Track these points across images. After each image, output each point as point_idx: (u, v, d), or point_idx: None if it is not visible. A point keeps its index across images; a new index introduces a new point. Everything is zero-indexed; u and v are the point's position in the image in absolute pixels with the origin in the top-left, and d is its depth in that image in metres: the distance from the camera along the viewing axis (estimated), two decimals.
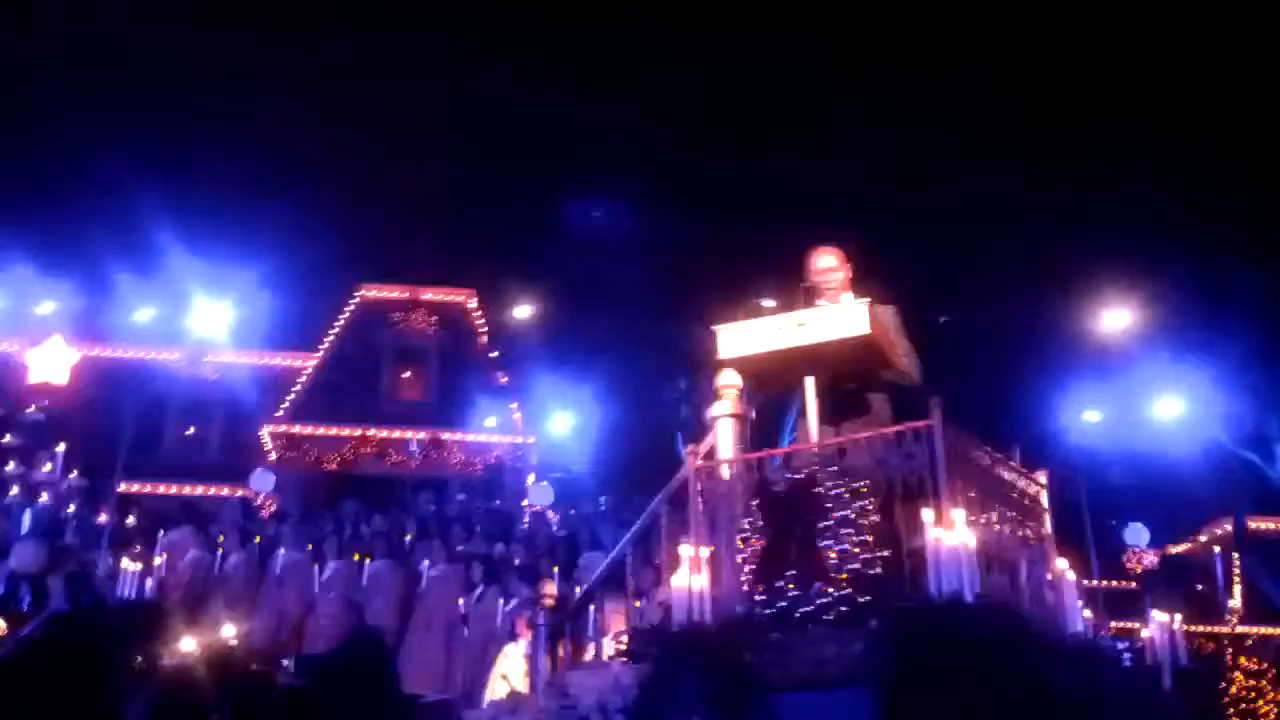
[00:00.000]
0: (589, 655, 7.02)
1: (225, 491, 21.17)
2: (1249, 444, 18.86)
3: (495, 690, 9.01)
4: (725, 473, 6.40)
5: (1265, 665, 19.00)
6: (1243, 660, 18.59)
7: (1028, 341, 21.44)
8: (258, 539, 13.43)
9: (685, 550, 6.07)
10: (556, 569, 11.98)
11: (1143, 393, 19.22)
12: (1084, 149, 23.87)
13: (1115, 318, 19.60)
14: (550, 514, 17.34)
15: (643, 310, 23.86)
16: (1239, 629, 21.45)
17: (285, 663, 9.64)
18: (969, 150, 24.86)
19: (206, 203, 25.22)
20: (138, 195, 22.86)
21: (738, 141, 27.86)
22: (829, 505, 5.77)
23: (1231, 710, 16.65)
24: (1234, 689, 17.44)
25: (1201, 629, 19.69)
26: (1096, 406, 18.85)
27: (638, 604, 7.21)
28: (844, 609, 5.55)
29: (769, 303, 7.12)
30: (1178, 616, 7.27)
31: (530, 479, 21.83)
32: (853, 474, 5.83)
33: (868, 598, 5.52)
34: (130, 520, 14.99)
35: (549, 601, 7.55)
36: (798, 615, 5.64)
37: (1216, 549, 23.33)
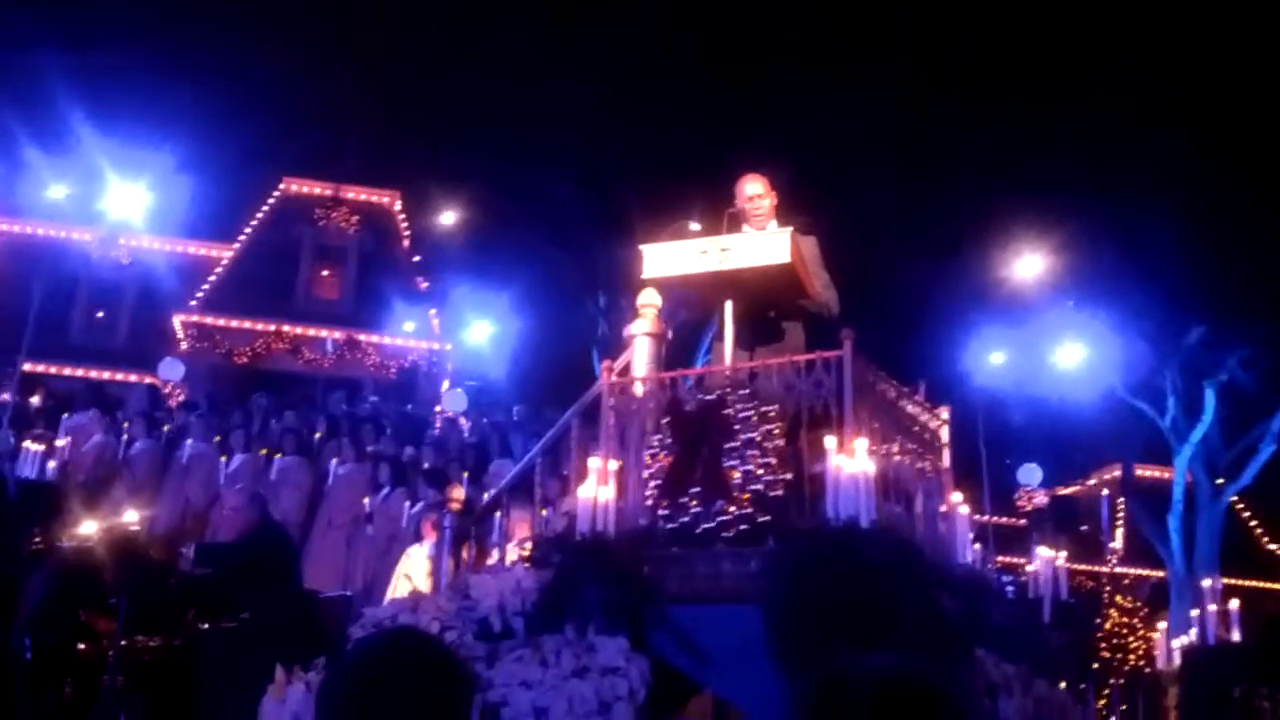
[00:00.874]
0: (492, 560, 7.13)
1: (133, 378, 20.86)
2: (1142, 393, 19.50)
3: (397, 589, 9.11)
4: (639, 390, 6.49)
5: (1139, 604, 19.91)
6: (1119, 598, 19.46)
7: (943, 283, 21.84)
8: (165, 427, 13.30)
9: (594, 463, 6.17)
10: (466, 474, 12.06)
11: (1047, 338, 19.72)
12: (1007, 102, 24.20)
13: (1028, 264, 20.03)
14: (462, 420, 17.37)
15: (568, 224, 23.75)
16: (1118, 569, 22.43)
17: (184, 550, 9.62)
18: (899, 97, 25.07)
19: (127, 81, 24.45)
20: (56, 70, 22.04)
21: (683, 62, 27.69)
22: (737, 427, 5.90)
23: (1104, 644, 17.44)
24: (1109, 625, 18.28)
25: (1083, 567, 20.53)
26: (1002, 349, 19.31)
27: (544, 512, 7.31)
28: (744, 528, 5.70)
29: (695, 225, 7.16)
30: (1061, 554, 7.58)
31: (445, 385, 21.80)
32: (762, 398, 5.96)
33: (767, 518, 5.68)
34: (34, 400, 14.71)
35: (456, 505, 7.62)
36: (698, 531, 5.79)
37: (1104, 493, 24.26)
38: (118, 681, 7.29)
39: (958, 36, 25.79)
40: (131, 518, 9.35)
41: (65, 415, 12.93)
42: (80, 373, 21.45)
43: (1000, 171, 22.25)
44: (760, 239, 6.26)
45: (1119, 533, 23.88)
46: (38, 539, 8.42)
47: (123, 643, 7.35)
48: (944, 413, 6.93)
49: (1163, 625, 11.63)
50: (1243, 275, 18.38)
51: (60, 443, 11.25)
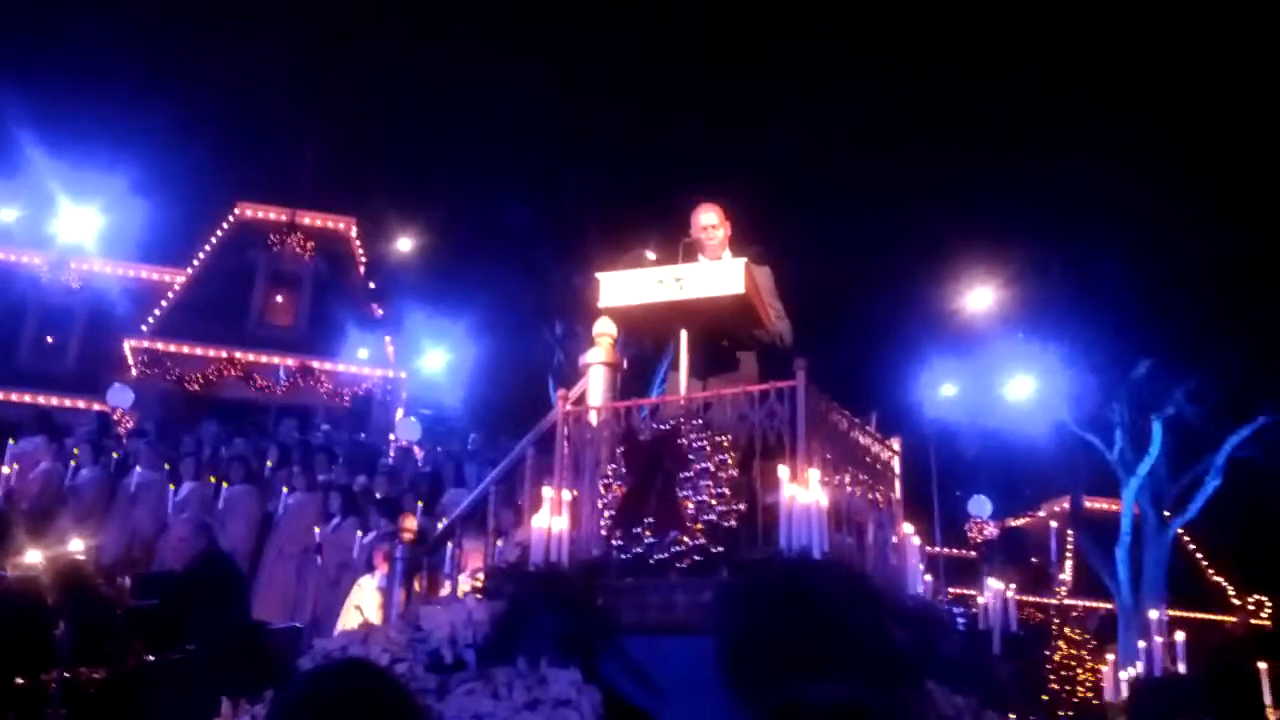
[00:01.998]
0: (445, 591, 7.08)
1: (81, 404, 20.57)
2: (1090, 426, 19.75)
3: (348, 621, 9.01)
4: (594, 419, 6.49)
5: (1087, 636, 20.07)
6: (1068, 630, 19.60)
7: (895, 315, 22.06)
8: (114, 455, 13.11)
9: (547, 492, 6.16)
10: (420, 504, 11.97)
11: (997, 371, 19.96)
12: (960, 134, 24.57)
13: (979, 297, 20.29)
14: (416, 450, 17.26)
15: (525, 252, 23.76)
16: (1066, 601, 22.62)
17: (121, 580, 9.44)
18: (853, 128, 25.35)
19: (79, 103, 24.25)
20: (5, 91, 21.79)
21: (638, 92, 27.85)
22: (691, 457, 5.91)
23: (1053, 676, 17.55)
24: (1058, 656, 18.40)
25: (1032, 599, 20.70)
26: (953, 381, 19.50)
27: (497, 543, 7.27)
28: (697, 558, 5.71)
29: (651, 254, 7.20)
30: (1011, 586, 7.64)
31: (399, 413, 21.67)
32: (716, 428, 5.99)
33: (720, 549, 5.69)
34: None
35: (408, 536, 7.56)
36: (652, 562, 5.79)
37: (1053, 525, 24.49)
38: (60, 714, 7.15)
39: (911, 68, 26.16)
40: (77, 546, 9.19)
41: (11, 441, 12.71)
42: (28, 398, 21.13)
43: (952, 204, 22.54)
44: (715, 269, 6.30)
45: (1068, 564, 24.10)
46: None
47: (66, 674, 7.21)
48: (896, 444, 6.99)
49: (1111, 657, 11.73)
50: (1190, 310, 18.68)
51: (5, 469, 11.07)
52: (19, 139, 21.70)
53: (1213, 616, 22.90)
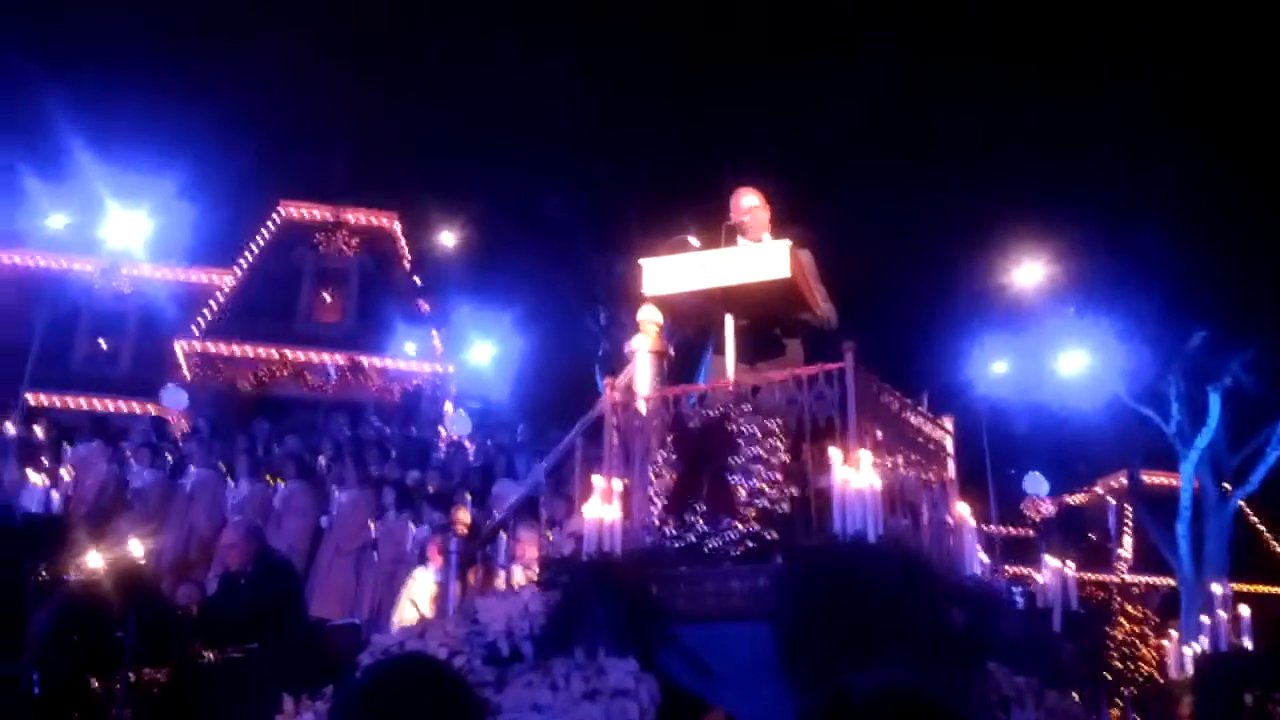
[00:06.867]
0: (500, 583, 7.09)
1: (136, 407, 20.85)
2: (1146, 399, 19.48)
3: (404, 615, 9.06)
4: (642, 407, 6.47)
5: (1149, 613, 19.80)
6: (1129, 607, 19.35)
7: (942, 292, 21.85)
8: (169, 456, 13.26)
9: (598, 482, 6.14)
10: (470, 497, 12.01)
11: (1049, 346, 19.71)
12: (1006, 106, 24.22)
13: (1028, 272, 20.04)
14: (467, 443, 17.34)
15: (567, 241, 23.77)
16: (1127, 577, 22.34)
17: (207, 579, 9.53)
18: (897, 103, 25.11)
19: (125, 108, 24.52)
20: (53, 98, 22.11)
21: (673, 76, 27.75)
22: (741, 442, 5.87)
23: (1115, 654, 17.33)
24: (1120, 634, 18.17)
25: (1092, 576, 20.45)
26: (1004, 358, 19.29)
27: (550, 534, 7.27)
28: (751, 544, 5.67)
29: (694, 240, 7.16)
30: (1070, 563, 7.52)
31: (448, 407, 21.77)
32: (765, 413, 5.94)
33: (774, 534, 5.65)
34: (38, 432, 14.69)
35: (461, 528, 7.60)
36: (706, 549, 5.76)
37: (1111, 501, 24.18)
38: (125, 714, 7.25)
39: (954, 42, 25.86)
40: (137, 549, 9.32)
41: (68, 446, 12.89)
42: (83, 402, 21.45)
43: (999, 178, 22.26)
44: (760, 253, 6.25)
45: (1127, 541, 23.81)
46: (43, 572, 8.39)
47: (130, 675, 7.31)
48: (948, 423, 6.90)
49: (1174, 633, 11.55)
50: (1245, 278, 18.35)
51: (64, 474, 11.22)
52: (68, 146, 22.01)
53: (1278, 590, 22.53)
